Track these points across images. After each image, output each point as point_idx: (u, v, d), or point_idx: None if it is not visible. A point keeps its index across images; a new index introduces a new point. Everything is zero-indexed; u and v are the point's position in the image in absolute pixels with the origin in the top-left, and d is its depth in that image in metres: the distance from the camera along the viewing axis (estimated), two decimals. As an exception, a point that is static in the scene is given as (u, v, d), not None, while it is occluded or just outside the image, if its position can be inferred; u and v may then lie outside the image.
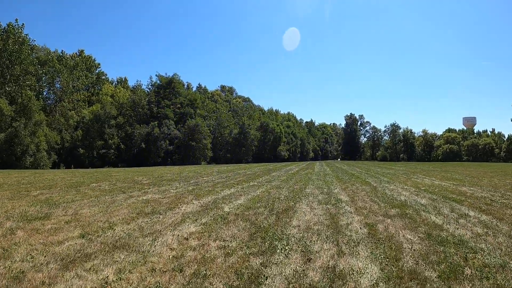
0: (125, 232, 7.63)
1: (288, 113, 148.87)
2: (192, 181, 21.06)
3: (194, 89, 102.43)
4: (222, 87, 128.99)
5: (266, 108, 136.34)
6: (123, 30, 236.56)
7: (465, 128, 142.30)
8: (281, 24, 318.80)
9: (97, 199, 12.64)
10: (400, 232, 7.80)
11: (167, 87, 72.02)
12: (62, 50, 70.41)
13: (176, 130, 65.02)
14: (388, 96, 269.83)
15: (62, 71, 65.34)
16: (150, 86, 75.87)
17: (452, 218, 9.48)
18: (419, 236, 7.46)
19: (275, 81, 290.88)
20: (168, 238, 7.17)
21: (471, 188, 17.20)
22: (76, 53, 78.19)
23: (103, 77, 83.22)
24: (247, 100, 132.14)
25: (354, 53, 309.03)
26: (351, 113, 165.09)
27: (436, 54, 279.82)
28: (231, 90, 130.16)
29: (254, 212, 10.16)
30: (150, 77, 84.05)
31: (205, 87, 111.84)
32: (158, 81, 73.47)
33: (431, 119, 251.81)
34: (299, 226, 8.33)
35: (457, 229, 8.21)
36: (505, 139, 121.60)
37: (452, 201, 12.65)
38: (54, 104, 65.50)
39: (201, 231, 7.86)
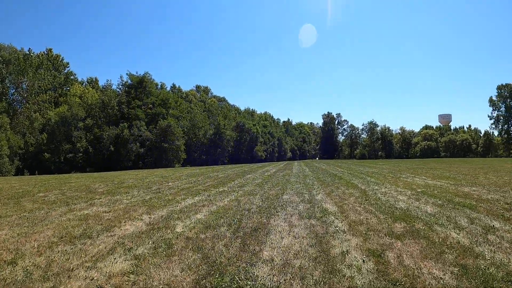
0: (24, 271, 5.54)
1: (265, 112, 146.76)
2: (154, 188, 18.41)
3: (168, 89, 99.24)
4: (197, 87, 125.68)
5: (242, 108, 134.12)
6: (97, 30, 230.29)
7: (441, 125, 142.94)
8: (257, 22, 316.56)
9: (30, 214, 10.53)
10: (422, 265, 5.38)
11: (138, 87, 68.56)
12: (29, 48, 66.69)
13: (148, 131, 61.66)
14: (365, 94, 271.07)
15: (27, 71, 61.65)
16: (120, 86, 72.32)
17: (477, 233, 7.26)
18: (452, 273, 5.09)
19: (251, 81, 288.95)
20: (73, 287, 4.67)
21: (473, 189, 14.98)
22: (43, 52, 74.35)
23: (72, 77, 79.43)
24: (222, 100, 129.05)
25: (330, 50, 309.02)
26: (328, 112, 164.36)
27: (411, 52, 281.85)
28: (206, 90, 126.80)
29: (212, 234, 7.60)
30: (121, 77, 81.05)
31: (179, 87, 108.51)
32: (129, 81, 69.96)
33: (407, 116, 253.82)
34: (272, 260, 5.77)
35: (494, 252, 5.97)
36: (481, 135, 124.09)
37: (463, 206, 10.41)
38: (19, 106, 61.67)
39: (128, 270, 5.38)
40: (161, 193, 15.72)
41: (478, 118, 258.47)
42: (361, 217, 9.11)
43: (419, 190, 14.96)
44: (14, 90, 62.06)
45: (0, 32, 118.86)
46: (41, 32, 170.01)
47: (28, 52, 65.54)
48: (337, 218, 8.93)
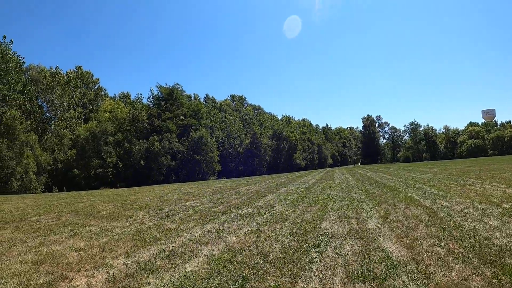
0: None
1: (303, 119, 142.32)
2: (166, 210, 15.34)
3: (202, 100, 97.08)
4: (232, 96, 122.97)
5: (279, 116, 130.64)
6: (128, 45, 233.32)
7: (484, 121, 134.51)
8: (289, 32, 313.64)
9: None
10: None
11: (169, 99, 66.36)
12: (56, 66, 65.64)
13: (179, 143, 59.12)
14: (403, 94, 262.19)
15: (55, 88, 60.45)
16: (151, 99, 70.45)
17: None
18: None
19: (287, 89, 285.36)
20: None
21: None
22: (73, 70, 73.62)
23: (102, 93, 78.52)
24: (258, 108, 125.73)
25: (365, 53, 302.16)
26: (368, 115, 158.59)
27: (449, 48, 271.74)
28: (241, 100, 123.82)
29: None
30: (151, 89, 78.79)
31: (212, 97, 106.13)
32: (159, 93, 67.94)
33: (449, 115, 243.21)
34: None
35: None
36: None
37: None
38: (48, 123, 60.42)
39: None
40: (168, 218, 12.80)
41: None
42: (453, 273, 5.40)
43: (506, 205, 11.06)
44: (43, 109, 60.87)
45: (31, 53, 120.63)
46: (72, 51, 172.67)
47: (55, 70, 64.35)
48: (412, 280, 5.23)
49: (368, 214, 11.09)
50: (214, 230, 9.92)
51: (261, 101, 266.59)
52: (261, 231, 9.33)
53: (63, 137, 56.10)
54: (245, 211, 13.69)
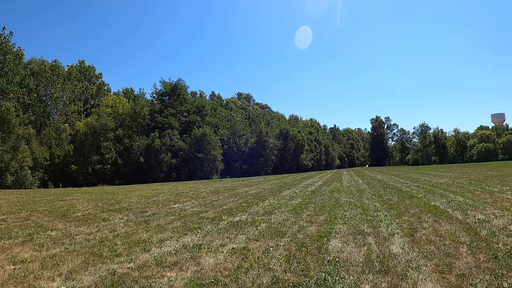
0: None
1: (311, 119, 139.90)
2: (148, 213, 13.53)
3: (207, 98, 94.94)
4: (239, 94, 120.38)
5: (286, 116, 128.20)
6: (137, 43, 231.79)
7: (494, 125, 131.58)
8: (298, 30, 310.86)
9: None
10: None
11: (172, 94, 64.25)
12: (55, 59, 63.63)
13: (181, 141, 56.96)
14: (413, 97, 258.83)
15: (56, 82, 58.49)
16: (154, 95, 68.31)
17: None
18: None
19: (295, 89, 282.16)
20: None
21: None
22: (76, 64, 71.76)
23: (105, 88, 76.54)
24: (265, 107, 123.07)
25: (375, 55, 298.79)
26: (377, 116, 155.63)
27: (457, 52, 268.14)
28: (248, 98, 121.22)
29: None
30: (154, 84, 76.42)
31: (218, 94, 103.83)
32: (162, 89, 65.79)
33: (458, 118, 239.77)
34: None
35: None
36: None
37: None
38: (47, 117, 58.48)
39: None
40: (145, 224, 10.98)
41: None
42: None
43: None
44: (43, 102, 58.89)
45: (34, 46, 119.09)
46: (81, 47, 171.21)
47: (54, 63, 62.31)
48: None
49: (389, 229, 8.80)
50: (191, 246, 7.83)
51: (268, 100, 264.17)
52: (249, 251, 7.13)
53: (62, 131, 54.19)
54: (238, 218, 11.58)
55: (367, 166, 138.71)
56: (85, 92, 69.63)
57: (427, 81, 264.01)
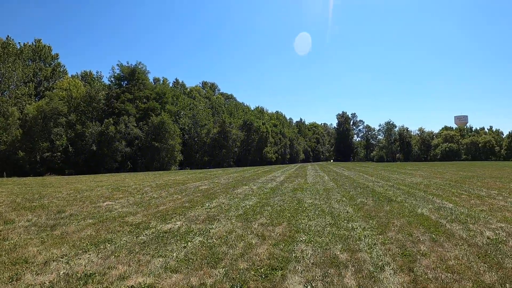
0: None
1: (277, 112, 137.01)
2: (65, 214, 10.80)
3: (170, 85, 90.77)
4: (204, 83, 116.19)
5: (252, 107, 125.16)
6: (101, 26, 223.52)
7: (456, 126, 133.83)
8: (273, 23, 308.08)
9: None
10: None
11: (131, 79, 60.21)
12: (7, 36, 58.35)
13: (137, 128, 53.21)
14: (379, 94, 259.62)
15: (6, 60, 53.47)
16: (112, 79, 63.84)
17: None
18: None
19: (262, 81, 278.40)
20: None
21: None
22: (32, 43, 66.42)
23: (61, 70, 71.26)
24: (230, 97, 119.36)
25: (345, 50, 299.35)
26: (343, 112, 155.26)
27: (427, 51, 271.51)
28: (213, 87, 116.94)
29: None
30: (112, 68, 71.55)
31: (182, 82, 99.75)
32: (120, 73, 61.59)
33: (423, 118, 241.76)
34: None
35: None
36: (503, 137, 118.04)
37: None
38: (-6, 99, 53.56)
39: None
40: (51, 231, 8.59)
41: (496, 119, 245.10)
42: None
43: None
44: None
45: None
46: (44, 28, 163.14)
47: (6, 40, 57.07)
48: None
49: (373, 254, 6.08)
50: (79, 275, 5.36)
51: (234, 91, 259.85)
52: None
53: (10, 115, 49.50)
54: (169, 226, 8.91)
55: (331, 161, 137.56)
56: (38, 73, 64.46)
57: (393, 81, 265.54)
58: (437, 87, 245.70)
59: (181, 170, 51.81)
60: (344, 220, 9.16)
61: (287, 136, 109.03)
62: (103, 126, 50.89)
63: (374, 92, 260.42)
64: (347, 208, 11.04)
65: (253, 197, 14.14)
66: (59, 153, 49.52)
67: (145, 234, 7.93)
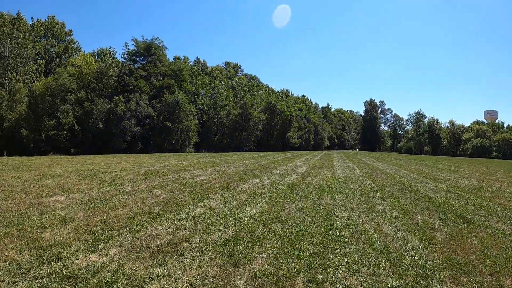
0: None
1: (303, 95, 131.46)
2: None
3: (191, 64, 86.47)
4: (227, 63, 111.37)
5: (277, 90, 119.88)
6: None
7: (486, 121, 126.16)
8: (298, 6, 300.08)
9: None
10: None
11: (146, 55, 56.14)
12: (17, 12, 54.58)
13: (149, 107, 49.20)
14: (409, 83, 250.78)
15: (15, 37, 49.94)
16: (125, 55, 59.64)
17: None
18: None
19: (288, 65, 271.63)
20: None
21: None
22: (45, 20, 62.90)
23: (74, 46, 67.61)
24: (254, 78, 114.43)
25: (376, 39, 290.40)
26: (371, 99, 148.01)
27: (459, 46, 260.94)
28: (236, 67, 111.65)
29: None
30: (125, 44, 66.67)
31: (204, 61, 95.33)
32: (135, 48, 57.51)
33: (452, 111, 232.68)
34: None
35: None
36: None
37: None
38: (2, 76, 50.24)
39: None
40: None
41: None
42: None
43: None
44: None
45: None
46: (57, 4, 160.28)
47: (16, 17, 53.33)
48: None
49: None
50: None
51: (258, 73, 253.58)
52: None
53: (17, 92, 46.11)
54: (80, 264, 4.43)
55: (357, 149, 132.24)
56: (50, 50, 61.26)
57: (424, 70, 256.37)
58: (467, 80, 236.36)
59: (195, 153, 47.94)
60: (415, 272, 4.79)
61: (312, 121, 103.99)
62: (112, 104, 47.05)
63: (403, 81, 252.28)
64: (407, 236, 6.63)
65: (260, 201, 9.81)
66: (65, 132, 46.07)
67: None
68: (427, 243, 6.32)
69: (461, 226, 7.68)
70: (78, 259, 5.00)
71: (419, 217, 8.52)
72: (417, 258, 5.47)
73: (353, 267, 4.99)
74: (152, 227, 6.76)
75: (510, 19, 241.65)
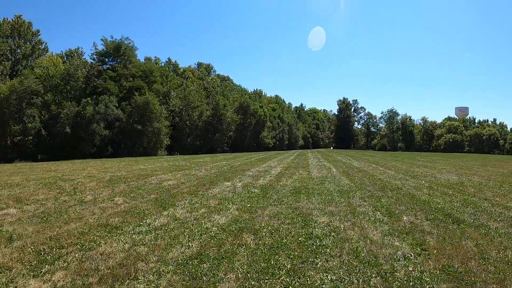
0: None
1: (276, 96, 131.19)
2: None
3: (162, 65, 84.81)
4: (199, 64, 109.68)
5: (250, 90, 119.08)
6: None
7: (457, 118, 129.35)
8: (276, 4, 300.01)
9: None
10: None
11: (115, 55, 54.52)
12: (-15, 11, 52.62)
13: (118, 109, 47.62)
14: (382, 81, 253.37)
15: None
16: (94, 56, 57.52)
17: None
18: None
19: (262, 65, 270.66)
20: None
21: None
22: (11, 19, 60.71)
23: (41, 47, 65.55)
24: (226, 79, 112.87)
25: (348, 37, 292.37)
26: (344, 98, 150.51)
27: (430, 43, 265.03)
28: (208, 68, 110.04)
29: None
30: (94, 44, 63.47)
31: (175, 62, 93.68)
32: (104, 48, 55.70)
33: (424, 108, 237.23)
34: None
35: None
36: (508, 130, 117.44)
37: None
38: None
39: None
40: None
41: (498, 112, 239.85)
42: None
43: None
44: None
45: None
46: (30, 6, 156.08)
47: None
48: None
49: None
50: None
51: (231, 73, 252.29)
52: None
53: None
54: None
55: (331, 148, 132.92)
56: (16, 51, 59.32)
57: (396, 69, 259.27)
58: (439, 76, 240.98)
59: (167, 156, 46.65)
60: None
61: (286, 121, 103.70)
62: (80, 106, 45.39)
63: (374, 79, 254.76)
64: (396, 243, 5.90)
65: (230, 207, 8.95)
66: (31, 137, 44.26)
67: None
68: (419, 249, 5.59)
69: (452, 227, 7.02)
70: (16, 287, 4.13)
71: (404, 218, 7.83)
72: (411, 269, 4.72)
73: (338, 286, 4.18)
74: (106, 243, 5.83)
75: (480, 18, 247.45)
